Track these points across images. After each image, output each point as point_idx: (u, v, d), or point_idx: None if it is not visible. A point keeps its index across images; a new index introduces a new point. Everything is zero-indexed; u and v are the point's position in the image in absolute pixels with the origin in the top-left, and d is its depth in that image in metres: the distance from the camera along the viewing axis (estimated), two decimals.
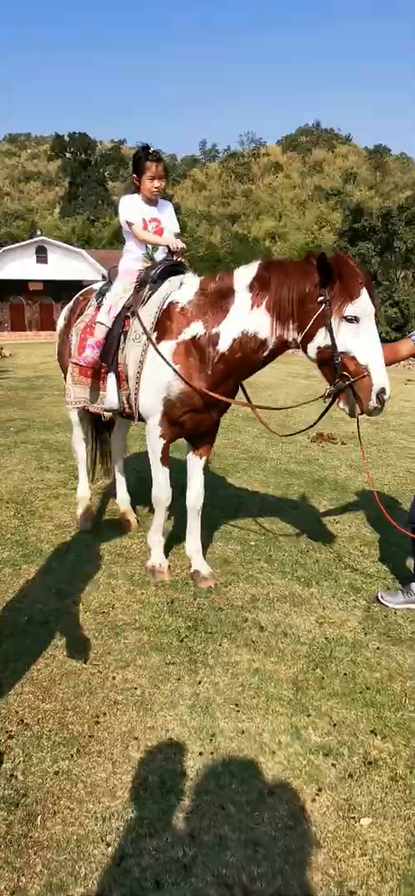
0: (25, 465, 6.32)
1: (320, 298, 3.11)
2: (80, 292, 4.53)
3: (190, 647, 3.18)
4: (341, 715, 2.74)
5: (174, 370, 3.43)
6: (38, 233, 46.59)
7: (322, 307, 3.11)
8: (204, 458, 3.96)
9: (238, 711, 2.72)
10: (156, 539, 3.90)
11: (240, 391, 3.92)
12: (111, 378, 3.78)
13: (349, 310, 3.06)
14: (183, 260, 3.92)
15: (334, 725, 2.67)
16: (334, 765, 2.45)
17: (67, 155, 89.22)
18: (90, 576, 3.85)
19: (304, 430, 4.23)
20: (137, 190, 3.86)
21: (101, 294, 4.06)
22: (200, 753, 2.46)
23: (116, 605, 3.55)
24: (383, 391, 3.11)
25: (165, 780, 2.32)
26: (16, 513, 4.91)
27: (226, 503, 5.40)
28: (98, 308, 3.98)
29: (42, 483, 5.69)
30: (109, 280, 4.07)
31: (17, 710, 2.63)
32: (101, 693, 2.78)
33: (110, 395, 3.79)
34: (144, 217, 3.83)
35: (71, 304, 4.52)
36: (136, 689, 2.83)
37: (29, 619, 3.36)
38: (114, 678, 2.89)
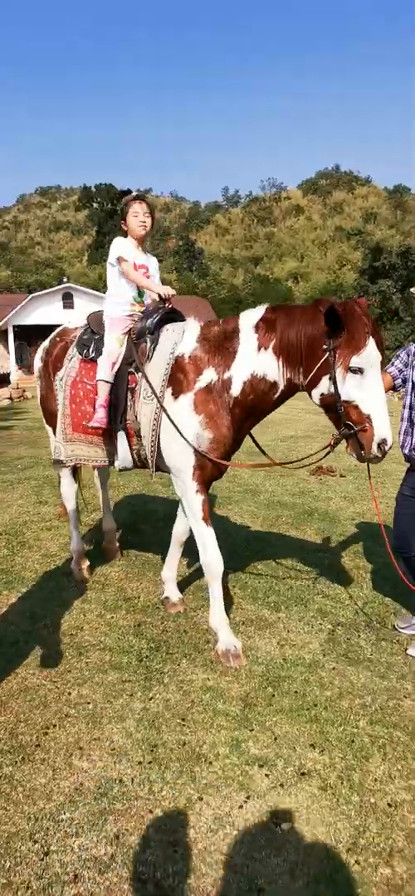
0: (25, 499, 6.53)
1: (325, 347, 3.09)
2: (56, 332, 4.47)
3: (148, 666, 3.31)
4: (283, 730, 2.83)
5: (172, 426, 3.42)
6: (65, 279, 47.88)
7: (326, 356, 3.09)
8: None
9: (183, 725, 2.83)
10: (221, 620, 3.50)
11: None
12: (122, 437, 3.72)
13: (355, 361, 3.03)
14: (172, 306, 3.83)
15: (275, 739, 2.76)
16: (267, 775, 2.54)
17: (94, 205, 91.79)
18: (65, 601, 4.00)
19: (302, 464, 3.89)
20: (126, 235, 3.87)
21: (84, 345, 3.95)
22: (139, 763, 2.58)
23: (84, 627, 3.70)
24: (384, 442, 3.09)
25: (101, 786, 2.44)
26: (6, 543, 5.12)
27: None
28: (84, 362, 3.92)
29: (37, 516, 5.89)
30: (90, 328, 3.99)
31: None
32: (54, 707, 2.92)
33: (123, 455, 3.75)
34: (135, 261, 3.80)
35: (46, 344, 4.44)
36: (89, 703, 2.96)
37: (0, 639, 3.51)
38: (69, 693, 3.03)
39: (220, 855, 2.15)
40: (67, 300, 43.15)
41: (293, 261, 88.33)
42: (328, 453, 3.47)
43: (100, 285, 66.35)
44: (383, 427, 3.09)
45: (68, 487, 4.50)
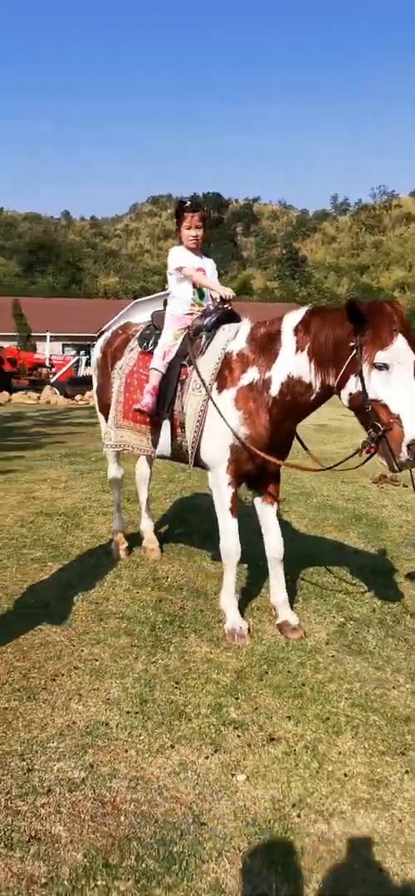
0: (91, 487, 7.06)
1: (351, 344, 3.13)
2: (119, 325, 4.82)
3: (158, 636, 3.63)
4: (266, 701, 3.06)
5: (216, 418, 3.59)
6: (167, 286, 49.35)
7: (353, 353, 3.13)
8: (275, 503, 3.92)
9: (176, 687, 3.13)
10: (229, 601, 3.75)
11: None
12: (166, 426, 3.91)
13: (380, 357, 3.03)
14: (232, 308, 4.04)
15: (256, 708, 3.00)
16: (239, 736, 2.79)
17: None
18: (100, 575, 4.41)
19: (337, 468, 3.76)
20: (181, 242, 4.14)
21: (145, 339, 4.24)
22: (127, 712, 2.91)
23: (110, 598, 4.08)
24: (414, 442, 2.99)
25: (89, 726, 2.79)
26: (63, 523, 5.62)
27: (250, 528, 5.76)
28: (144, 354, 4.20)
29: (97, 503, 6.38)
30: (153, 324, 4.28)
31: None
32: (66, 660, 3.31)
33: (163, 442, 3.95)
34: (192, 265, 4.06)
35: (108, 335, 4.77)
36: (96, 660, 3.33)
37: (35, 601, 3.98)
38: (82, 651, 3.42)
39: (175, 791, 2.44)
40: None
41: (401, 270, 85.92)
42: (357, 456, 3.46)
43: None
44: (413, 427, 3.00)
45: (115, 472, 4.90)
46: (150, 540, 4.98)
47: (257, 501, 3.96)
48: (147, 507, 5.12)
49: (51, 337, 33.91)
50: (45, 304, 44.12)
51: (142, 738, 2.74)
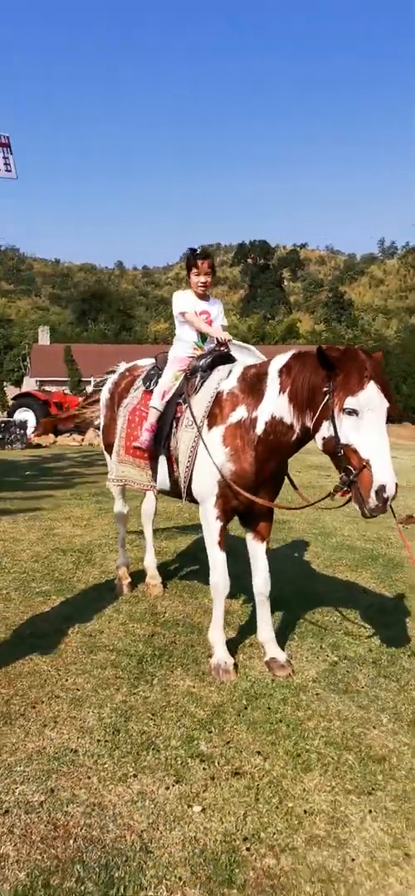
0: (111, 525, 7.17)
1: (325, 389, 3.21)
2: (126, 367, 5.02)
3: (144, 668, 3.68)
4: (239, 736, 3.05)
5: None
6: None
7: (326, 398, 3.21)
8: (265, 541, 3.95)
9: (151, 719, 3.17)
10: (218, 636, 3.77)
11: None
12: (162, 461, 4.08)
13: (349, 402, 3.09)
14: (229, 350, 4.12)
15: (227, 742, 3.00)
16: (204, 769, 2.80)
17: (248, 260, 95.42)
18: (99, 609, 4.50)
19: (305, 505, 3.88)
20: (189, 286, 4.30)
21: (149, 379, 4.46)
22: (98, 741, 2.96)
23: (104, 631, 4.16)
24: (382, 488, 3.03)
25: (58, 752, 2.86)
26: (76, 559, 5.77)
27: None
28: (147, 393, 4.38)
29: (113, 540, 6.46)
30: (157, 366, 4.45)
31: None
32: (48, 688, 3.39)
33: (162, 477, 4.10)
34: (196, 309, 4.22)
35: (115, 376, 5.00)
36: (78, 690, 3.40)
37: (32, 632, 4.09)
38: (66, 680, 3.50)
39: (129, 819, 2.46)
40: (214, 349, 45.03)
41: None
42: (328, 497, 3.53)
43: (248, 336, 68.52)
44: (381, 472, 3.05)
45: (120, 507, 5.04)
46: (152, 576, 5.05)
47: (248, 538, 4.00)
48: (151, 543, 5.19)
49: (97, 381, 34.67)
50: (96, 350, 45.30)
51: (107, 766, 2.78)
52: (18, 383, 47.14)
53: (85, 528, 7.11)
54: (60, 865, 2.21)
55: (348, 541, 7.04)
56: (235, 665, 3.73)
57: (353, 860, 2.32)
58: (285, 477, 4.01)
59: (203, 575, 5.27)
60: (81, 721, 3.11)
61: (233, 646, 4.05)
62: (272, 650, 3.83)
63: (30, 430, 19.19)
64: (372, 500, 3.09)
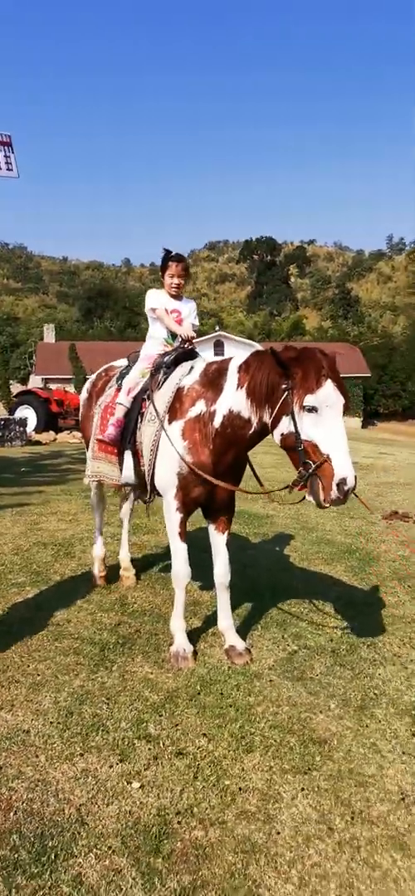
0: None
1: (283, 387, 3.32)
2: (103, 368, 5.18)
3: (106, 656, 3.81)
4: (188, 720, 3.17)
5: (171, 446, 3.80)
6: (217, 328, 50.18)
7: (285, 395, 3.32)
8: (225, 532, 4.07)
9: (106, 703, 3.30)
10: (178, 624, 3.91)
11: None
12: (128, 455, 4.19)
13: (308, 400, 3.21)
14: (194, 347, 4.36)
15: (176, 725, 3.12)
16: (149, 749, 2.92)
17: (255, 257, 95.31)
18: (71, 600, 4.64)
19: (271, 491, 4.09)
20: (163, 286, 4.43)
21: (121, 377, 4.60)
22: (51, 723, 3.09)
23: (72, 620, 4.29)
24: (343, 481, 3.14)
25: (10, 732, 2.99)
26: (55, 552, 5.91)
27: (237, 557, 5.88)
28: (118, 390, 4.52)
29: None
30: (130, 364, 4.61)
31: None
32: (10, 674, 3.53)
33: (127, 471, 4.19)
34: (167, 308, 4.35)
35: (93, 377, 5.18)
36: (39, 675, 3.54)
37: (1, 621, 4.22)
38: (28, 666, 3.63)
39: (70, 794, 2.59)
40: (218, 348, 45.10)
41: None
42: (287, 489, 3.63)
43: (254, 333, 68.58)
44: (341, 466, 3.16)
45: (95, 498, 5.21)
46: (126, 568, 5.21)
47: (210, 529, 4.13)
48: (126, 536, 5.35)
49: None
50: (101, 347, 45.48)
51: (55, 745, 2.91)
52: (24, 381, 47.41)
53: (69, 522, 7.26)
54: None
55: (328, 535, 7.14)
56: (195, 652, 3.86)
57: (278, 833, 2.44)
58: (247, 467, 4.13)
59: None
60: (37, 704, 3.25)
61: (198, 634, 4.18)
62: (231, 638, 3.95)
63: (30, 428, 19.37)
64: (334, 493, 3.20)
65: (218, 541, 4.06)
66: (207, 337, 47.02)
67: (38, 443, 18.86)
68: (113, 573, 5.23)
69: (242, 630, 4.30)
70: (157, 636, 4.13)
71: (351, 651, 4.06)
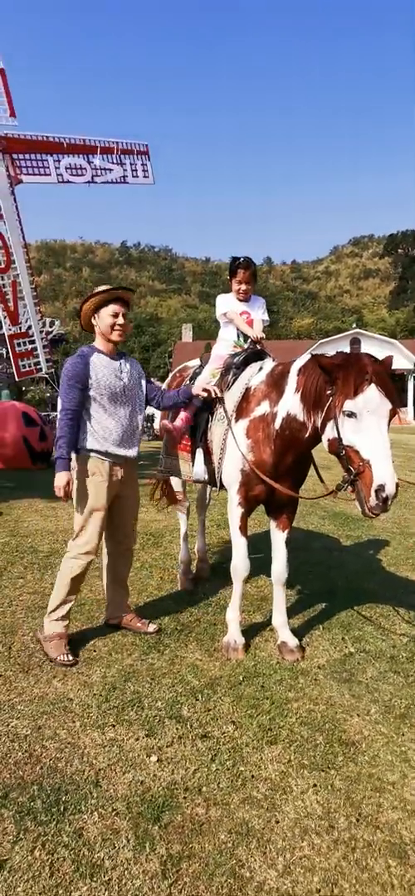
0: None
1: (328, 392, 3.38)
2: (177, 368, 5.45)
3: (161, 640, 4.02)
4: (222, 707, 3.29)
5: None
6: (354, 326, 49.01)
7: (330, 401, 3.37)
8: (286, 530, 4.12)
9: (150, 682, 3.50)
10: (233, 616, 4.01)
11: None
12: (199, 453, 4.36)
13: (348, 405, 3.22)
14: (264, 347, 4.45)
15: (208, 710, 3.25)
16: (177, 728, 3.08)
17: (399, 251, 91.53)
18: (145, 586, 4.90)
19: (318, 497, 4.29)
20: (231, 291, 4.59)
21: (194, 377, 4.78)
22: (94, 694, 3.35)
23: (141, 605, 4.55)
24: (381, 488, 3.11)
25: (57, 699, 3.29)
26: (143, 541, 6.24)
27: (323, 559, 5.86)
28: None
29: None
30: (202, 365, 4.79)
31: None
32: (71, 647, 3.84)
33: (198, 468, 4.37)
34: (236, 310, 4.54)
35: (168, 378, 5.44)
36: (95, 651, 3.84)
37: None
38: (89, 642, 3.94)
39: (94, 759, 2.82)
40: (355, 345, 44.00)
41: None
42: (331, 494, 3.62)
43: (397, 330, 65.94)
44: (380, 473, 3.13)
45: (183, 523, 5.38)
46: (201, 559, 5.49)
47: (271, 526, 4.19)
48: (202, 529, 5.61)
49: None
50: None
51: (92, 714, 3.16)
52: (163, 379, 49.41)
53: (163, 513, 7.57)
54: (22, 784, 2.62)
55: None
56: (246, 644, 3.95)
57: (277, 822, 2.49)
58: (311, 468, 4.14)
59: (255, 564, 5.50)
60: (87, 677, 3.53)
61: (256, 629, 4.27)
62: (284, 634, 4.00)
63: (156, 423, 20.23)
64: (372, 500, 3.17)
65: (278, 538, 4.12)
66: (343, 335, 46.15)
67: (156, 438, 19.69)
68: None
69: (304, 629, 4.33)
70: (215, 626, 4.28)
71: (412, 659, 3.94)
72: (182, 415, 4.49)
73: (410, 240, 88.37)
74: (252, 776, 2.75)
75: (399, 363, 43.29)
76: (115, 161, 22.16)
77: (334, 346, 43.80)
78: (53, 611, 3.83)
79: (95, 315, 3.92)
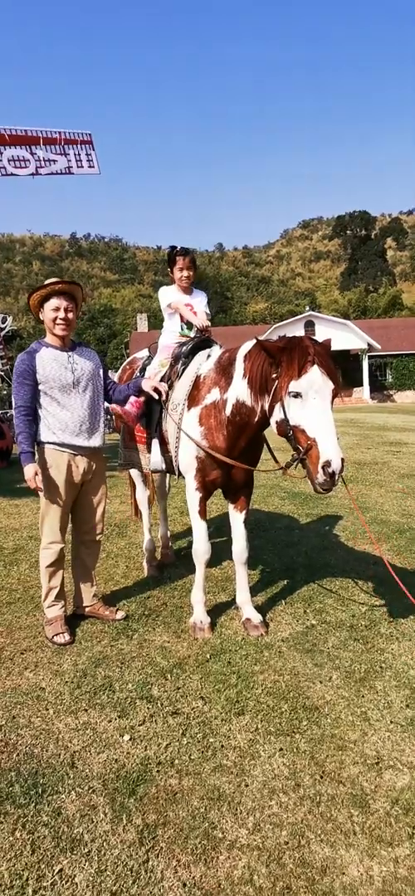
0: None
1: (274, 376, 3.47)
2: (126, 361, 5.56)
3: (129, 625, 4.13)
4: (190, 684, 3.41)
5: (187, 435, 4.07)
6: (307, 308, 49.60)
7: (276, 384, 3.47)
8: (244, 511, 4.25)
9: (119, 666, 3.60)
10: (198, 597, 4.13)
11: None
12: (155, 443, 4.46)
13: (292, 386, 3.31)
14: (210, 334, 4.60)
15: (178, 688, 3.37)
16: (148, 708, 3.19)
17: (348, 232, 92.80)
18: (111, 574, 4.98)
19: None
20: (172, 282, 4.75)
21: (144, 368, 4.87)
22: (66, 682, 3.43)
23: (107, 593, 4.63)
24: (327, 464, 3.20)
25: (30, 688, 3.37)
26: (109, 531, 6.29)
27: (281, 538, 6.03)
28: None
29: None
30: (150, 356, 4.92)
31: None
32: (40, 639, 3.92)
33: (155, 458, 4.46)
34: (181, 301, 4.65)
35: (119, 371, 5.49)
36: (73, 633, 3.90)
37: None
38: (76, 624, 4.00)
39: (68, 742, 2.91)
40: (309, 327, 44.54)
41: None
42: (280, 471, 3.84)
43: (349, 311, 66.98)
44: (326, 449, 3.23)
45: (141, 494, 5.47)
46: (164, 545, 5.61)
47: (230, 508, 4.32)
48: (164, 516, 5.71)
49: None
50: None
51: (65, 701, 3.25)
52: None
53: (128, 504, 7.65)
54: None
55: (383, 515, 7.12)
56: (212, 624, 4.09)
57: (246, 786, 2.63)
58: (264, 450, 4.29)
59: (218, 547, 5.64)
60: (58, 666, 3.61)
61: (221, 609, 4.41)
62: (248, 611, 4.15)
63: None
64: (320, 476, 3.29)
65: (237, 519, 4.25)
66: (297, 318, 46.60)
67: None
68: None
69: (268, 605, 4.49)
70: (181, 609, 4.40)
71: (370, 627, 4.13)
72: (133, 399, 4.56)
73: (358, 220, 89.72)
74: (222, 746, 2.89)
75: (353, 343, 44.10)
76: (58, 151, 21.77)
77: (291, 330, 44.26)
78: (44, 599, 4.07)
79: (41, 310, 3.99)
